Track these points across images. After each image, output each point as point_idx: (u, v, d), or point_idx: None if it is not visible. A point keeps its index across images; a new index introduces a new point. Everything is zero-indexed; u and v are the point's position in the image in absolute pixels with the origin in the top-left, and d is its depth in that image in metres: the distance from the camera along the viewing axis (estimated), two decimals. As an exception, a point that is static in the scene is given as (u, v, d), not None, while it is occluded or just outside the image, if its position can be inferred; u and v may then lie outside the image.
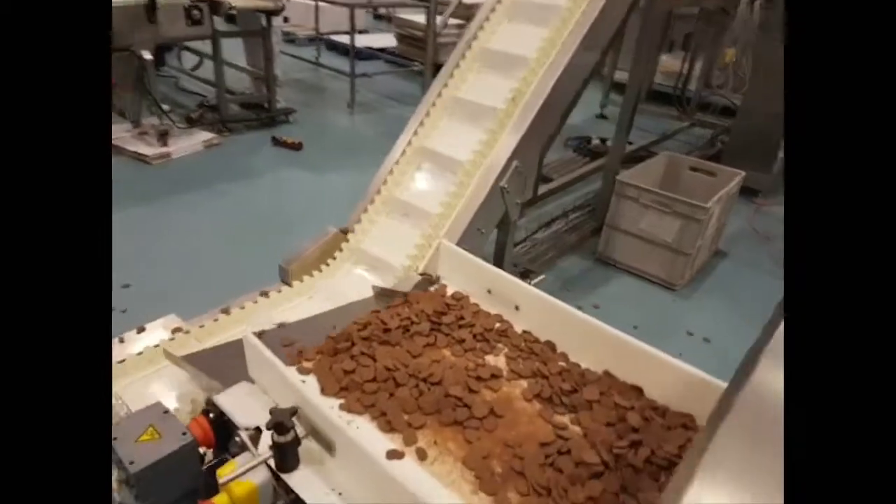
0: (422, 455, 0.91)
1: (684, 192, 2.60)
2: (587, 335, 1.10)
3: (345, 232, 1.97)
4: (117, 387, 1.39)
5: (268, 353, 0.98)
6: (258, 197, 3.17)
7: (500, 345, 1.17)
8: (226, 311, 1.72)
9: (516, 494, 0.84)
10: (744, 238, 3.08)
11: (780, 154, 3.56)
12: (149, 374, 1.46)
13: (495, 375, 1.07)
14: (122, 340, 1.56)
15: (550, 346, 1.18)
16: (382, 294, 1.61)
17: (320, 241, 1.92)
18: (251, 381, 1.10)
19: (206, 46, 4.08)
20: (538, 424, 0.97)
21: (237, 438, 0.91)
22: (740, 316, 2.37)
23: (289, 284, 1.86)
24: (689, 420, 0.96)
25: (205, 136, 3.60)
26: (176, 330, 1.61)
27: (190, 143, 3.46)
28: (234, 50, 4.19)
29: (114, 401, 1.32)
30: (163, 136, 3.32)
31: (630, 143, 4.14)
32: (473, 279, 1.31)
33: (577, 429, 0.96)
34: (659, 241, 2.51)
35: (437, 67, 5.51)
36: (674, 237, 2.46)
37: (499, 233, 2.07)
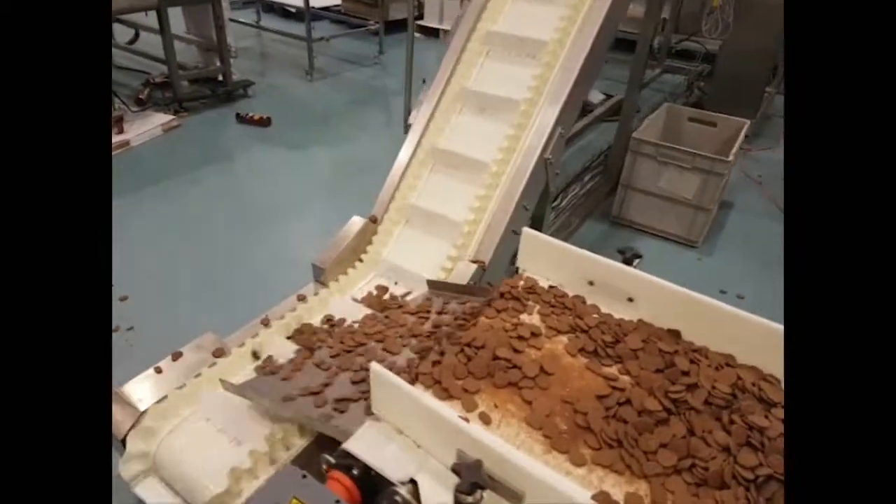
0: (486, 420, 0.88)
1: (687, 144, 2.54)
2: (718, 321, 1.00)
3: (374, 221, 1.78)
4: (164, 431, 1.19)
5: (406, 386, 0.82)
6: (236, 182, 2.87)
7: (529, 302, 1.13)
8: (265, 323, 1.51)
9: (588, 449, 0.83)
10: (740, 185, 3.09)
11: (764, 98, 3.58)
12: (199, 411, 1.25)
13: (535, 333, 1.04)
14: (158, 370, 1.34)
15: (580, 298, 1.14)
16: (437, 287, 1.46)
17: (350, 233, 1.72)
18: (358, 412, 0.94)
19: (139, 17, 3.60)
20: (589, 378, 0.95)
21: (397, 499, 0.76)
22: (765, 268, 2.37)
23: (324, 284, 1.67)
24: (731, 359, 0.97)
25: (162, 118, 3.20)
26: (218, 353, 1.40)
27: (147, 127, 3.07)
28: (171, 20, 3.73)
29: (168, 452, 1.13)
30: (118, 123, 2.92)
31: (610, 96, 4.06)
32: (568, 269, 1.17)
33: (627, 378, 0.94)
34: (679, 199, 2.45)
35: (389, 25, 5.22)
36: (694, 193, 2.41)
37: (536, 207, 1.93)
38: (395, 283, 1.63)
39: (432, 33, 5.77)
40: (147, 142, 3.04)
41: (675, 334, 1.03)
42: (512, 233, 1.65)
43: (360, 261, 1.75)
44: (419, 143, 1.86)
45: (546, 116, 1.68)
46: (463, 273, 1.52)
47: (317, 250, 2.33)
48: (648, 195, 2.52)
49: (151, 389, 1.26)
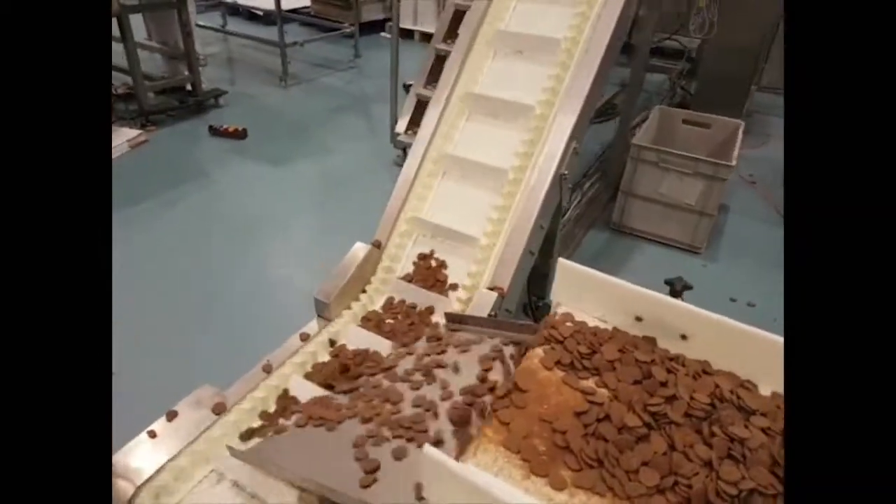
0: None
1: (681, 147, 2.49)
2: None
3: (378, 246, 1.65)
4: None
5: (482, 476, 0.70)
6: (215, 202, 2.69)
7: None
8: (267, 370, 1.37)
9: (568, 471, 0.81)
10: (733, 186, 3.06)
11: (748, 97, 3.58)
12: (203, 485, 1.11)
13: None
14: (153, 435, 1.18)
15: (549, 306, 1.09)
16: (455, 320, 1.34)
17: (354, 262, 1.58)
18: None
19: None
20: (566, 393, 0.91)
21: None
22: (770, 272, 2.33)
23: (327, 319, 1.53)
24: (707, 366, 0.95)
25: (128, 133, 2.98)
26: (219, 409, 1.25)
27: (112, 143, 2.85)
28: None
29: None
30: (80, 141, 2.69)
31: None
32: (611, 304, 1.07)
33: (604, 391, 0.90)
34: (681, 205, 2.39)
35: (362, 26, 5.06)
36: (697, 199, 2.35)
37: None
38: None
39: (407, 35, 5.64)
40: (113, 160, 2.83)
41: (650, 342, 1.00)
42: (529, 253, 1.55)
43: (364, 291, 1.62)
44: (426, 153, 1.73)
45: (561, 127, 1.57)
46: (483, 303, 1.41)
47: (310, 275, 2.20)
48: (650, 202, 2.45)
49: (146, 458, 1.11)
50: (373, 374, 1.20)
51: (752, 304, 2.10)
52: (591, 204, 2.54)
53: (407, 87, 3.17)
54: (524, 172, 1.60)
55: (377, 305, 1.59)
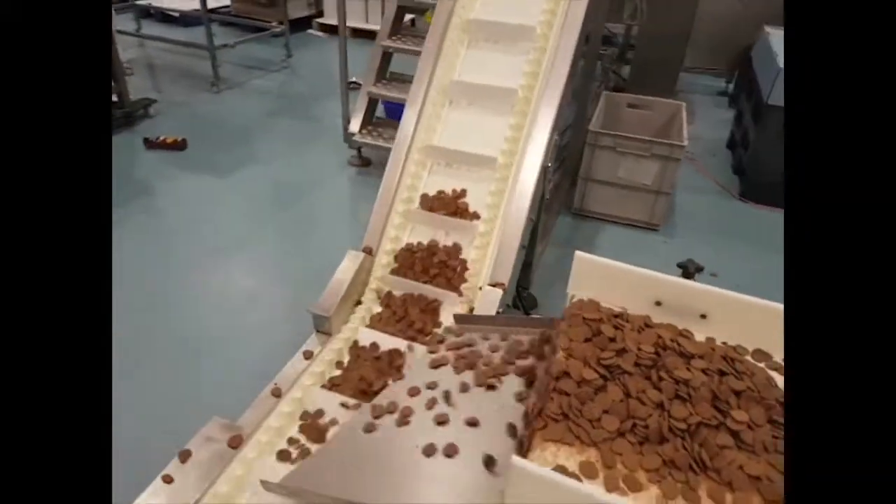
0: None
1: (627, 130, 2.62)
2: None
3: (369, 252, 1.63)
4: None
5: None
6: (164, 220, 2.52)
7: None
8: (277, 394, 1.33)
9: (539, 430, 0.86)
10: (675, 164, 3.24)
11: (679, 76, 3.79)
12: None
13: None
14: (168, 480, 1.12)
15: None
16: (464, 321, 1.35)
17: (349, 271, 1.55)
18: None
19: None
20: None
21: None
22: (725, 242, 2.51)
23: (327, 334, 1.50)
24: (648, 319, 1.02)
25: (55, 153, 2.72)
26: (235, 441, 1.20)
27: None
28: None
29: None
30: None
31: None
32: (630, 291, 1.12)
33: (561, 354, 0.96)
34: (638, 186, 2.51)
35: (289, 25, 4.88)
36: (653, 179, 2.48)
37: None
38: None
39: (333, 31, 5.49)
40: (44, 183, 2.58)
41: (595, 304, 1.07)
42: (521, 248, 1.58)
43: (360, 302, 1.59)
44: (410, 146, 1.70)
45: (544, 119, 1.61)
46: (490, 300, 1.42)
47: (286, 289, 2.11)
48: (608, 185, 2.56)
49: (163, 504, 1.05)
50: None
51: (714, 274, 2.25)
52: (556, 191, 2.61)
53: (348, 85, 3.10)
54: (512, 157, 1.62)
55: (378, 310, 1.56)
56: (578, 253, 1.13)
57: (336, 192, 2.91)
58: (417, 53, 2.86)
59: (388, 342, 1.40)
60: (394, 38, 2.96)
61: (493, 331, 1.22)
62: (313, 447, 1.16)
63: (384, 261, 1.60)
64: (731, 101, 4.07)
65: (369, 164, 3.11)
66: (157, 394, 1.68)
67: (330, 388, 1.31)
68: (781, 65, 2.60)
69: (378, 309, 1.55)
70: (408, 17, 3.39)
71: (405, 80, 3.06)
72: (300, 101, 3.95)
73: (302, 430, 1.20)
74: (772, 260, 2.41)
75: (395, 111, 3.27)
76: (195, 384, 1.72)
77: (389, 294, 1.57)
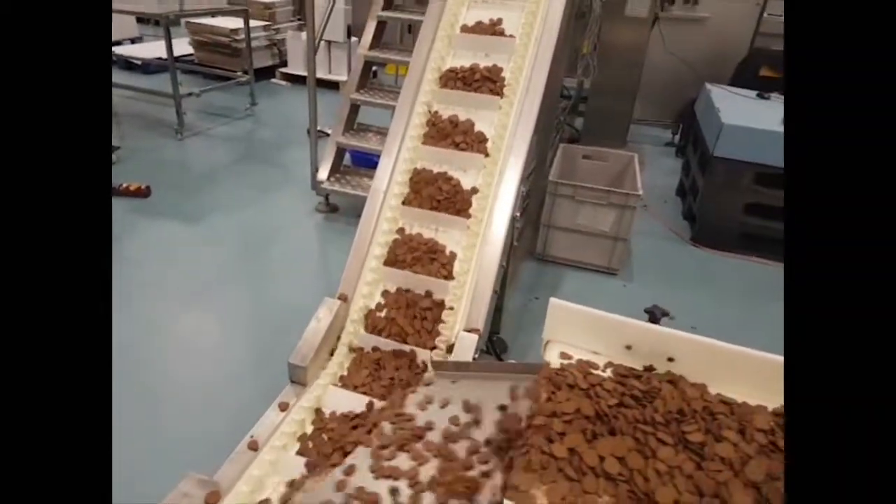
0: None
1: (583, 180, 2.78)
2: (758, 369, 1.08)
3: (344, 299, 1.65)
4: None
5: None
6: (130, 269, 2.47)
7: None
8: (253, 447, 1.32)
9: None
10: (630, 211, 3.42)
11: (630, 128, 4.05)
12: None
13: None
14: (144, 548, 1.08)
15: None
16: (442, 367, 1.39)
17: (325, 320, 1.57)
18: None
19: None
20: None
21: None
22: (679, 284, 2.65)
23: (302, 384, 1.50)
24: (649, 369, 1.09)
25: (11, 201, 2.64)
26: (213, 497, 1.18)
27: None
28: None
29: None
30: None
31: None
32: (602, 336, 1.19)
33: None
34: (597, 232, 2.64)
35: (255, 73, 4.97)
36: (611, 226, 2.62)
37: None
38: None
39: (299, 80, 5.60)
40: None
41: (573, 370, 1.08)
42: (494, 293, 1.64)
43: (333, 354, 1.61)
44: (385, 194, 1.76)
45: (512, 171, 1.70)
46: (467, 346, 1.46)
47: (260, 338, 2.09)
48: (569, 231, 2.68)
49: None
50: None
51: (672, 316, 2.37)
52: (519, 239, 2.71)
53: (309, 132, 3.15)
54: (483, 212, 1.70)
55: (352, 360, 1.58)
56: (553, 300, 1.20)
57: (305, 238, 2.93)
58: (384, 106, 3.00)
59: (359, 402, 1.41)
60: (361, 91, 3.07)
61: (470, 377, 1.26)
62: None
63: (359, 304, 1.62)
64: (678, 152, 4.35)
65: (336, 210, 3.15)
66: (128, 450, 1.61)
67: (301, 452, 1.31)
68: (724, 120, 2.84)
69: (350, 361, 1.56)
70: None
71: (371, 131, 3.17)
72: (266, 148, 3.99)
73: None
74: (723, 301, 2.56)
75: (361, 159, 3.36)
76: (167, 439, 1.66)
77: (362, 350, 1.59)
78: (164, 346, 2.05)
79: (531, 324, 2.25)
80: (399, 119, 1.84)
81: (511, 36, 1.87)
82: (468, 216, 1.68)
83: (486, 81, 1.82)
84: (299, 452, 1.30)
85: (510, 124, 1.77)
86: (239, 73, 4.82)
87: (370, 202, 1.75)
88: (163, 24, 3.71)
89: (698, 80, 3.92)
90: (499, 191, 1.69)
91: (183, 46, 5.58)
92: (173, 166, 3.56)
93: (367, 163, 3.32)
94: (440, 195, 1.71)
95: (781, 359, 1.07)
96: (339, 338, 1.61)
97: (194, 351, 2.05)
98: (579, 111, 4.41)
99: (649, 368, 1.13)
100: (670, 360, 1.14)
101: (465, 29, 1.93)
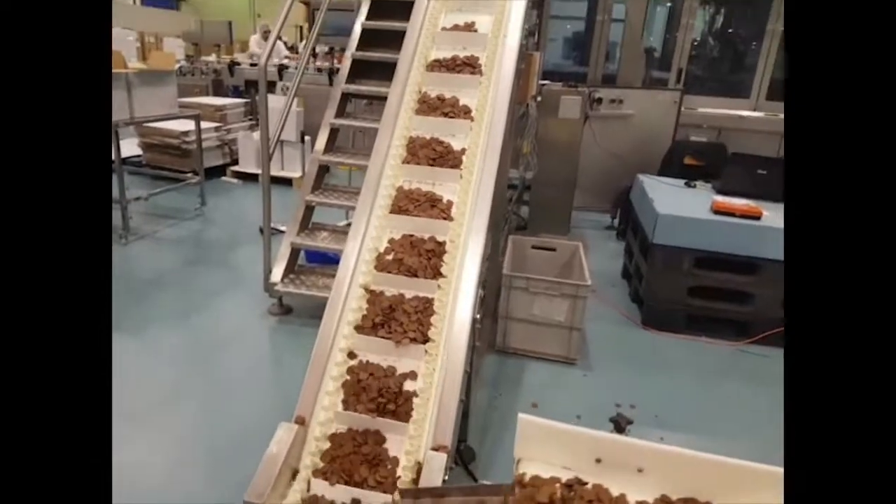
0: None
1: (533, 269, 2.89)
2: (727, 476, 1.10)
3: (301, 422, 1.58)
4: None
5: None
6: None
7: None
8: None
9: None
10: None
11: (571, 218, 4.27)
12: None
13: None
14: None
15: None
16: (410, 495, 1.33)
17: (282, 448, 1.49)
18: None
19: None
20: None
21: None
22: (638, 370, 2.70)
23: (261, 521, 1.39)
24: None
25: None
26: None
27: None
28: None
29: None
30: None
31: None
32: (571, 451, 1.18)
33: None
34: (553, 322, 2.70)
35: (206, 172, 4.98)
36: (566, 316, 2.68)
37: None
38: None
39: (251, 178, 5.65)
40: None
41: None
42: (460, 401, 1.62)
43: (297, 473, 1.52)
44: (341, 314, 1.74)
45: (470, 274, 1.74)
46: (436, 467, 1.41)
47: (214, 461, 1.94)
48: (526, 322, 2.72)
49: None
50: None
51: (633, 405, 2.39)
52: (481, 333, 2.73)
53: (261, 230, 3.14)
54: (442, 321, 1.71)
55: (314, 490, 1.49)
56: (521, 416, 1.20)
57: (257, 345, 2.83)
58: (340, 206, 3.06)
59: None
60: (316, 192, 3.12)
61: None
62: None
63: (317, 432, 1.56)
64: (618, 234, 4.60)
65: (290, 311, 3.09)
66: None
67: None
68: (659, 210, 3.04)
69: (314, 490, 1.47)
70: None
71: (326, 229, 3.20)
72: (216, 249, 3.93)
73: None
74: (680, 384, 2.62)
75: (316, 257, 3.35)
76: None
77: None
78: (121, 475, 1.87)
79: (498, 424, 2.21)
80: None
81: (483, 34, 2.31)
82: (460, 170, 1.97)
83: (465, 66, 2.22)
84: None
85: (464, 223, 1.85)
86: (189, 174, 4.82)
87: (325, 322, 1.72)
88: (112, 130, 3.72)
89: (629, 170, 4.24)
90: (458, 297, 1.72)
91: (131, 147, 5.57)
92: (116, 273, 3.43)
93: (322, 259, 3.32)
94: (434, 154, 2.01)
95: (753, 465, 1.09)
96: (295, 473, 1.52)
97: (138, 476, 1.88)
98: (524, 200, 4.63)
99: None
100: (640, 470, 1.14)
101: (444, 29, 2.38)
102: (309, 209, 3.10)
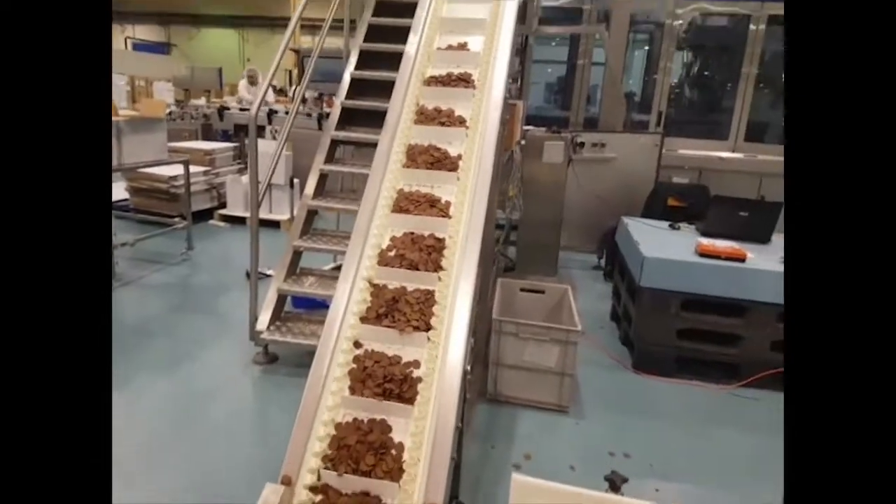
0: None
1: (522, 313, 2.88)
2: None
3: (288, 483, 1.53)
4: None
5: None
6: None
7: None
8: None
9: None
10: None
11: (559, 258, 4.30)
12: None
13: None
14: None
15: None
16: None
17: (270, 509, 1.43)
18: None
19: None
20: None
21: None
22: (632, 418, 2.67)
23: None
24: None
25: None
26: None
27: None
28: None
29: None
30: None
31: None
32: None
33: None
34: (544, 368, 2.68)
35: (193, 215, 4.97)
36: (556, 362, 2.66)
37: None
38: None
39: (235, 221, 5.65)
40: None
41: None
42: (451, 459, 1.58)
43: (285, 540, 1.46)
44: (327, 372, 1.71)
45: (460, 324, 1.73)
46: (427, 528, 1.37)
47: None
48: (517, 369, 2.70)
49: None
50: None
51: (627, 454, 2.36)
52: (471, 383, 2.69)
53: (248, 274, 3.12)
54: (433, 374, 1.69)
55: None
56: (515, 476, 1.18)
57: (241, 398, 2.77)
58: (328, 251, 3.06)
59: None
60: (304, 237, 3.12)
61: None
62: None
63: (303, 496, 1.51)
64: (605, 276, 4.63)
65: (276, 359, 3.04)
66: None
67: None
68: (645, 253, 3.08)
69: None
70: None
71: (314, 274, 3.18)
72: (202, 296, 3.88)
73: None
74: (673, 430, 2.60)
75: (302, 303, 3.32)
76: None
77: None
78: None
79: (491, 478, 2.16)
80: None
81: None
82: (457, 173, 2.09)
83: (460, 81, 2.41)
84: None
85: (454, 265, 1.87)
86: (176, 219, 4.81)
87: (312, 381, 1.68)
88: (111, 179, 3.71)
89: (613, 211, 4.31)
90: (448, 346, 1.70)
91: (118, 191, 5.56)
92: (99, 321, 3.35)
93: (309, 305, 3.29)
94: (432, 159, 2.13)
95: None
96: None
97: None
98: (512, 241, 4.67)
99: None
100: (638, 533, 1.12)
101: (439, 49, 2.57)
102: (297, 254, 3.09)
